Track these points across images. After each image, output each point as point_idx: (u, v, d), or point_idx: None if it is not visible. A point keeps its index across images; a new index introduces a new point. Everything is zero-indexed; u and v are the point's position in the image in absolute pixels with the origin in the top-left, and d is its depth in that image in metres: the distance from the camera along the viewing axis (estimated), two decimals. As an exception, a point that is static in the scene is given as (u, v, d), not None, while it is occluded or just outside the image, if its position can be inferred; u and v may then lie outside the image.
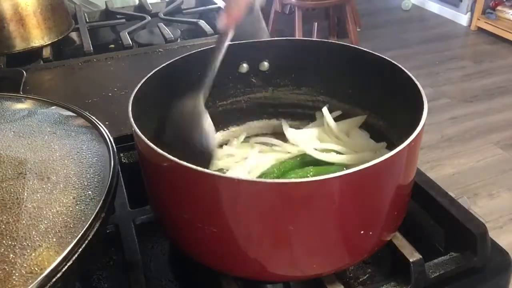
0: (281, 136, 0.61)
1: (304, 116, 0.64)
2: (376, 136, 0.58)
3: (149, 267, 0.51)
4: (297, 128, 0.63)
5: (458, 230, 0.49)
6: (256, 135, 0.65)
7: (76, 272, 0.36)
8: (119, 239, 0.50)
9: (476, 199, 1.91)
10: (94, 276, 0.51)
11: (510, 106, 2.55)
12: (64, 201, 0.39)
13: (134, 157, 0.63)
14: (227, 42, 0.51)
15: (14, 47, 0.95)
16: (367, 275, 0.49)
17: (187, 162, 0.36)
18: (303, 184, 0.36)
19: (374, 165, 0.36)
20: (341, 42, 0.59)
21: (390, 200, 0.42)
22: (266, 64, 0.62)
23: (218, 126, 0.64)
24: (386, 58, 0.52)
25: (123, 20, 1.16)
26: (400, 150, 0.38)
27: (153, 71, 0.52)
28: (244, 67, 0.61)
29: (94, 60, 0.93)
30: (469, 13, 3.54)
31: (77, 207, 0.39)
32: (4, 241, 0.35)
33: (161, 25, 1.09)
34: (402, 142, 0.39)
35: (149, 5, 1.21)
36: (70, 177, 0.42)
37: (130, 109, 0.45)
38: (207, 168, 0.38)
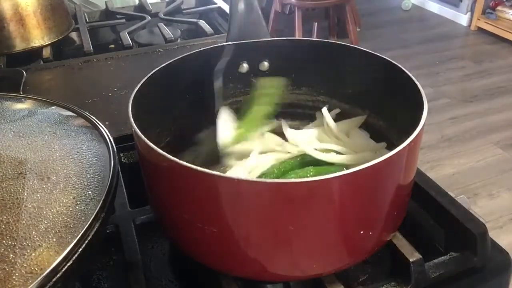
0: (281, 136, 0.61)
1: (304, 116, 0.64)
2: (376, 136, 0.58)
3: (149, 267, 0.51)
4: (297, 128, 0.62)
5: (458, 230, 0.49)
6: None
7: (76, 272, 0.36)
8: (119, 239, 0.50)
9: (476, 199, 1.91)
10: (94, 276, 0.51)
11: (510, 106, 2.55)
12: (64, 201, 0.39)
13: (134, 157, 0.63)
14: None
15: (14, 47, 0.95)
16: (367, 275, 0.49)
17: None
18: (303, 184, 0.36)
19: (374, 165, 0.36)
20: (341, 42, 0.59)
21: (390, 200, 0.42)
22: (266, 64, 0.62)
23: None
24: (386, 58, 0.52)
25: (123, 20, 1.16)
26: (400, 150, 0.38)
27: (153, 71, 0.52)
28: (244, 67, 0.61)
29: (94, 60, 0.93)
30: (469, 13, 3.54)
31: (77, 207, 0.39)
32: (4, 241, 0.35)
33: (161, 25, 1.09)
34: (402, 142, 0.39)
35: (149, 5, 1.21)
36: (70, 177, 0.42)
37: (130, 109, 0.45)
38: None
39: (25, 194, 0.39)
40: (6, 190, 0.39)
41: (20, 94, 0.63)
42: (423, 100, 0.44)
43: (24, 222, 0.37)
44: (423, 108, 0.43)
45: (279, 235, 0.39)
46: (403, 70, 0.49)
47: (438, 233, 0.52)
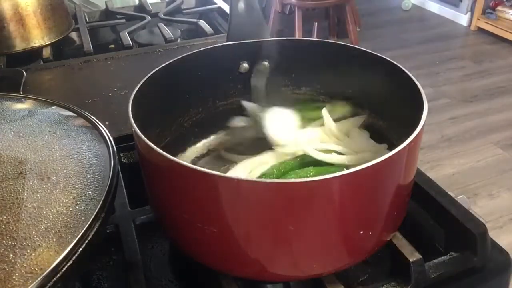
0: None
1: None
2: (376, 136, 0.58)
3: (149, 267, 0.51)
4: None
5: (458, 230, 0.49)
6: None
7: (76, 272, 0.36)
8: (119, 239, 0.50)
9: (476, 199, 1.91)
10: (94, 276, 0.51)
11: (510, 106, 2.55)
12: (64, 201, 0.39)
13: (134, 157, 0.63)
14: None
15: (14, 47, 0.95)
16: (367, 275, 0.49)
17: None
18: (303, 184, 0.36)
19: (374, 165, 0.36)
20: (341, 42, 0.59)
21: (390, 200, 0.42)
22: (266, 64, 0.62)
23: (218, 126, 0.64)
24: (386, 58, 0.52)
25: (123, 20, 1.16)
26: (400, 150, 0.38)
27: (153, 71, 0.52)
28: (244, 67, 0.61)
29: (94, 60, 0.93)
30: (469, 13, 3.54)
31: (77, 207, 0.39)
32: (4, 241, 0.35)
33: (161, 25, 1.09)
34: (402, 142, 0.39)
35: (149, 5, 1.21)
36: (70, 177, 0.42)
37: (130, 109, 0.45)
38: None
39: (25, 194, 0.39)
40: (6, 190, 0.39)
41: (20, 94, 0.63)
42: (423, 100, 0.44)
43: (24, 222, 0.37)
44: (423, 108, 0.43)
45: (279, 235, 0.39)
46: (403, 70, 0.49)
47: (438, 233, 0.52)
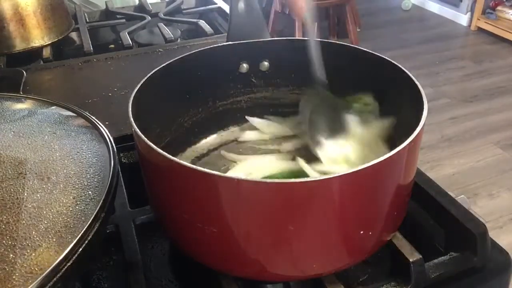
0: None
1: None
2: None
3: (149, 267, 0.51)
4: None
5: (458, 230, 0.49)
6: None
7: (76, 272, 0.36)
8: (119, 239, 0.50)
9: (476, 199, 1.91)
10: (94, 276, 0.51)
11: (510, 106, 2.55)
12: (64, 201, 0.39)
13: (134, 157, 0.63)
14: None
15: (14, 47, 0.95)
16: (367, 275, 0.49)
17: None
18: (303, 184, 0.36)
19: (374, 165, 0.36)
20: (341, 42, 0.59)
21: (390, 200, 0.42)
22: (266, 64, 0.62)
23: (218, 126, 0.64)
24: (386, 58, 0.52)
25: (123, 20, 1.16)
26: (400, 150, 0.38)
27: (153, 71, 0.52)
28: (244, 67, 0.61)
29: (94, 60, 0.93)
30: (469, 13, 3.54)
31: (77, 207, 0.39)
32: (4, 241, 0.35)
33: (161, 25, 1.09)
34: (402, 142, 0.39)
35: (149, 5, 1.21)
36: (70, 177, 0.42)
37: (130, 109, 0.45)
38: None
39: (25, 194, 0.39)
40: (6, 190, 0.39)
41: (20, 94, 0.63)
42: (423, 100, 0.44)
43: (24, 222, 0.37)
44: (423, 108, 0.43)
45: (279, 235, 0.39)
46: (403, 70, 0.49)
47: (438, 233, 0.52)
